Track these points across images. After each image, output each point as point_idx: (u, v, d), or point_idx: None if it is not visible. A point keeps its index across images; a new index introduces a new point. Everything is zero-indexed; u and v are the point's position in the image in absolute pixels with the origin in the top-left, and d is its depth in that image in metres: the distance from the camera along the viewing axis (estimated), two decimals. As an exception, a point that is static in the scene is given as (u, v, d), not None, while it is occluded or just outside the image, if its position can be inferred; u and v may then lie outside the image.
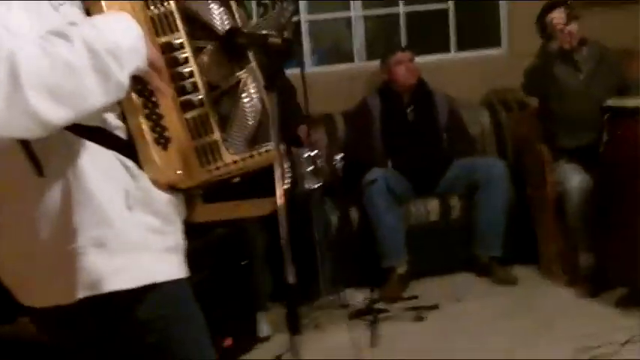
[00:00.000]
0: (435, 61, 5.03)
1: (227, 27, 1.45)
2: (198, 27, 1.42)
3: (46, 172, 1.23)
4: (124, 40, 1.23)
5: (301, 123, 4.02)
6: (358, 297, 3.79)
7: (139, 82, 1.33)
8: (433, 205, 4.21)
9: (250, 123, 1.44)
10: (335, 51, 5.30)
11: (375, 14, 5.16)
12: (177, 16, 1.40)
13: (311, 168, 3.43)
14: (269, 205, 1.52)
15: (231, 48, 1.43)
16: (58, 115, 1.13)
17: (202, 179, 1.39)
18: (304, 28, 4.95)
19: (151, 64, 1.31)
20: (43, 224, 1.24)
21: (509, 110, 4.77)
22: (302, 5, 4.91)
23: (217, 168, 1.39)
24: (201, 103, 1.40)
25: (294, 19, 4.85)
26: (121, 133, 1.33)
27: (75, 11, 1.32)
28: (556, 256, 3.95)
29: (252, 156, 1.43)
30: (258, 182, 1.49)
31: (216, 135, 1.40)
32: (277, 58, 1.39)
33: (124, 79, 1.21)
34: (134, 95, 1.33)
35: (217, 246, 3.28)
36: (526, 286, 3.97)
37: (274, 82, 1.40)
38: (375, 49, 5.09)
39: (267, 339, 3.49)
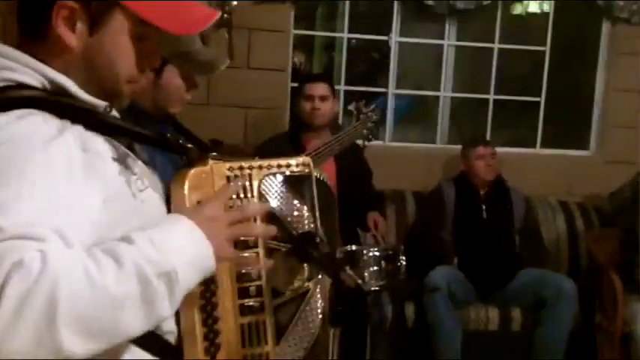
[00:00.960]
0: (519, 154, 4.86)
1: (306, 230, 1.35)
2: (276, 226, 1.34)
3: None
4: (185, 259, 1.13)
5: (373, 208, 3.92)
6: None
7: (202, 283, 1.25)
8: (494, 314, 4.04)
9: (307, 339, 1.34)
10: (417, 125, 5.19)
11: (464, 97, 5.03)
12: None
13: (375, 269, 3.30)
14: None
15: (303, 255, 1.33)
16: (86, 349, 1.02)
17: (241, 390, 1.29)
18: (390, 100, 4.85)
19: (221, 258, 1.22)
20: None
21: (587, 219, 4.57)
22: (391, 78, 4.82)
23: (260, 383, 1.29)
24: (261, 308, 1.31)
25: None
26: (170, 338, 1.24)
27: (155, 198, 1.26)
28: (615, 396, 3.73)
29: (299, 377, 1.33)
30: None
31: (269, 346, 1.31)
32: (347, 296, 1.29)
33: (168, 309, 1.11)
34: (196, 297, 1.25)
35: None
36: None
37: (340, 320, 1.30)
38: (459, 130, 4.97)
39: None
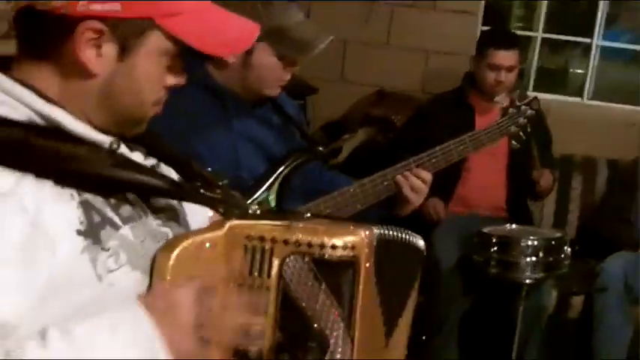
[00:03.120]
0: None
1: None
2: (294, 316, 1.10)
3: None
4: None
5: (544, 166, 3.47)
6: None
7: None
8: (678, 315, 3.52)
9: None
10: (624, 85, 4.57)
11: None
12: (272, 296, 1.09)
13: (532, 259, 2.95)
14: None
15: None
16: None
17: None
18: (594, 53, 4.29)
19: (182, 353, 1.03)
20: None
21: None
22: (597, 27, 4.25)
23: None
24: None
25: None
26: None
27: (132, 277, 1.05)
28: None
29: None
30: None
31: None
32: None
33: None
34: None
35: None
36: None
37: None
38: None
39: None
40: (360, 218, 1.87)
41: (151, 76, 1.09)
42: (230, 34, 1.14)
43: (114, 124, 1.10)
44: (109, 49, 1.04)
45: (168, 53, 1.09)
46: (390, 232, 1.19)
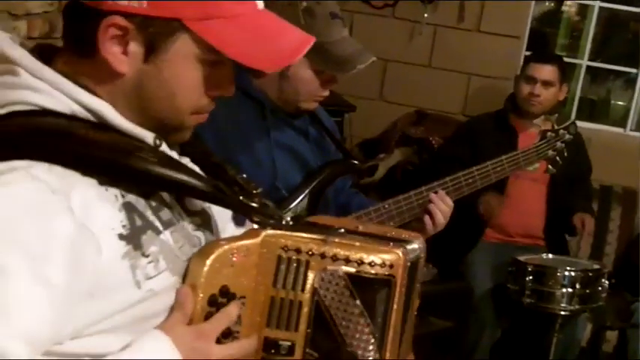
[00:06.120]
0: None
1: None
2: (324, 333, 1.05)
3: None
4: None
5: (583, 209, 3.45)
6: None
7: None
8: None
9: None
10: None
11: None
12: (305, 311, 1.05)
13: (568, 291, 2.88)
14: None
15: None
16: None
17: None
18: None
19: None
20: None
21: None
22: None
23: None
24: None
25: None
26: None
27: (172, 283, 1.02)
28: None
29: None
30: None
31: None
32: None
33: None
34: None
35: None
36: None
37: None
38: None
39: None
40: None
41: (184, 82, 1.02)
42: (277, 48, 1.03)
43: (151, 129, 1.05)
44: (135, 48, 0.98)
45: (205, 61, 1.01)
46: (416, 251, 1.16)
